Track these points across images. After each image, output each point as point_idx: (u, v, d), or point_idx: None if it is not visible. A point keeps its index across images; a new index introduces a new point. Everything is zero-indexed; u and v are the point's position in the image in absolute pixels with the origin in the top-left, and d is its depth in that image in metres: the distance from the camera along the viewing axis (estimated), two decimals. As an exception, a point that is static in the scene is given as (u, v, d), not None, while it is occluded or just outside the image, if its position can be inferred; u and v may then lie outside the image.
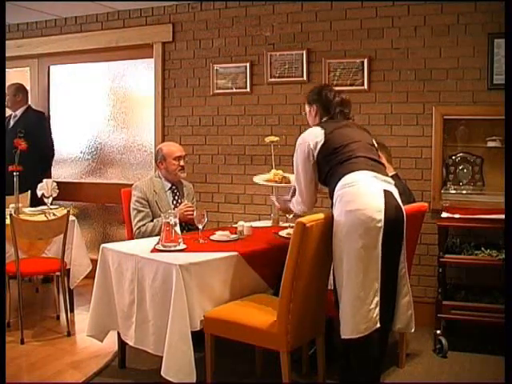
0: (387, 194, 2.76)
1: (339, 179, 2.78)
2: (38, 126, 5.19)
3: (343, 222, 2.69)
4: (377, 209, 2.68)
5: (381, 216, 2.67)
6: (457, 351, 3.58)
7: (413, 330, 3.06)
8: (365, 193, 2.71)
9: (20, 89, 5.22)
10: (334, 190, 2.80)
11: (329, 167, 2.87)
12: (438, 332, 3.58)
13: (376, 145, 3.11)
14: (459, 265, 3.86)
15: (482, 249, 3.61)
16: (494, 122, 3.86)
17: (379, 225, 2.67)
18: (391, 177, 3.52)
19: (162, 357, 2.80)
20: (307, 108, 3.20)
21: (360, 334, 2.67)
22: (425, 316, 3.95)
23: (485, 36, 3.93)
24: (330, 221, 2.78)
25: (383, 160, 3.48)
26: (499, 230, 3.35)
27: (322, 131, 2.91)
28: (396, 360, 3.40)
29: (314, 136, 2.92)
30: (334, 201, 2.80)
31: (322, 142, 2.88)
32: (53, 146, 5.26)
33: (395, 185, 3.33)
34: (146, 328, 2.95)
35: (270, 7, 4.56)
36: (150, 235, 3.62)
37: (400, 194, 3.31)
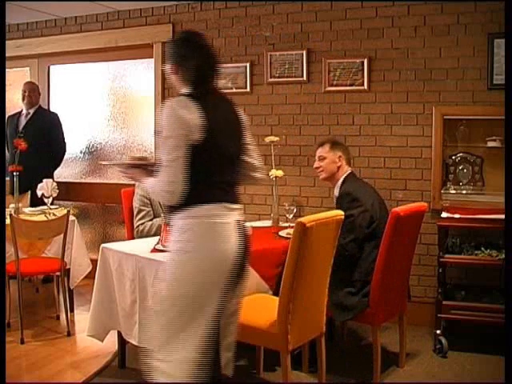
0: (240, 224, 2.31)
1: (196, 202, 2.20)
2: (53, 124, 5.21)
3: (200, 260, 2.20)
4: (233, 245, 2.25)
5: (234, 252, 2.24)
6: (457, 351, 3.58)
7: (231, 375, 2.50)
8: (224, 228, 2.23)
9: (36, 88, 5.26)
10: (183, 207, 2.21)
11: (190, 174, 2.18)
12: (438, 332, 3.58)
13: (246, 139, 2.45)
14: (459, 265, 3.86)
15: (482, 249, 3.61)
16: (493, 122, 3.86)
17: (232, 262, 2.25)
18: (346, 177, 3.51)
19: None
20: (168, 66, 2.39)
21: None
22: (425, 316, 3.96)
23: (485, 36, 3.92)
24: (330, 221, 2.78)
25: (342, 161, 3.50)
26: (499, 229, 3.34)
27: (204, 123, 2.16)
28: (396, 360, 3.41)
29: (195, 122, 2.16)
30: (179, 222, 2.24)
31: (201, 142, 2.17)
32: (65, 145, 5.29)
33: (346, 191, 3.30)
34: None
35: (270, 7, 4.56)
36: (147, 235, 3.61)
37: (354, 200, 3.27)
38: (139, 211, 3.75)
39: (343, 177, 3.49)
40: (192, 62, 2.29)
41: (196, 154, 2.17)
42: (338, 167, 3.49)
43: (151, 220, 3.73)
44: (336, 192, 3.48)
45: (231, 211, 2.27)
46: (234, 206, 2.29)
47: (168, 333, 2.23)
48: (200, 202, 2.20)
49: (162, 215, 3.25)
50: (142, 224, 3.71)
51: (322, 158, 3.54)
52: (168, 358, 2.22)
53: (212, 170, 2.24)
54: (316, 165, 3.59)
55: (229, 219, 2.25)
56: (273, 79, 4.57)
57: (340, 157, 3.50)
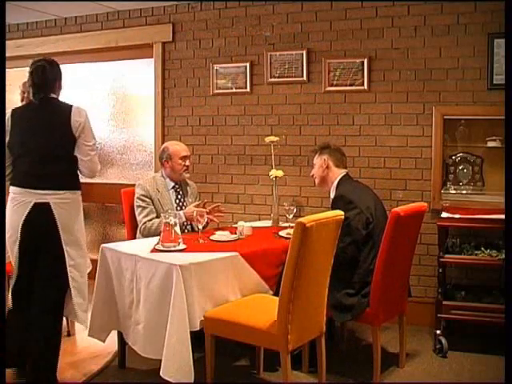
0: (39, 204, 2.99)
1: (12, 184, 3.06)
2: None
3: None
4: (21, 216, 2.99)
5: (22, 221, 2.99)
6: (457, 351, 3.58)
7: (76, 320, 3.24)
8: (16, 204, 3.01)
9: None
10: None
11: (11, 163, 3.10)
12: (438, 332, 3.58)
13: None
14: (459, 265, 3.86)
15: (482, 249, 3.61)
16: (493, 122, 3.86)
17: (22, 230, 2.99)
18: (340, 179, 3.49)
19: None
20: None
21: None
22: (425, 316, 3.96)
23: (485, 36, 3.92)
24: (330, 221, 2.78)
25: (328, 163, 3.50)
26: (499, 229, 3.35)
27: (10, 128, 3.07)
28: (396, 360, 3.41)
29: (6, 128, 3.08)
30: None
31: (10, 141, 3.06)
32: None
33: (340, 194, 3.31)
34: (139, 329, 2.97)
35: (270, 7, 4.56)
36: (155, 232, 3.57)
37: (348, 202, 3.24)
38: (143, 208, 3.74)
39: (337, 179, 3.50)
40: (29, 83, 3.12)
41: (11, 149, 3.07)
42: (325, 170, 3.52)
43: (157, 217, 3.70)
44: (332, 195, 3.48)
45: (29, 194, 2.99)
46: (34, 191, 2.99)
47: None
48: (13, 185, 3.05)
49: (162, 215, 3.25)
50: (150, 220, 3.69)
51: (314, 166, 3.62)
52: None
53: (20, 162, 3.04)
54: (311, 173, 3.67)
55: (25, 199, 2.99)
56: (273, 79, 4.57)
57: (325, 160, 3.52)
